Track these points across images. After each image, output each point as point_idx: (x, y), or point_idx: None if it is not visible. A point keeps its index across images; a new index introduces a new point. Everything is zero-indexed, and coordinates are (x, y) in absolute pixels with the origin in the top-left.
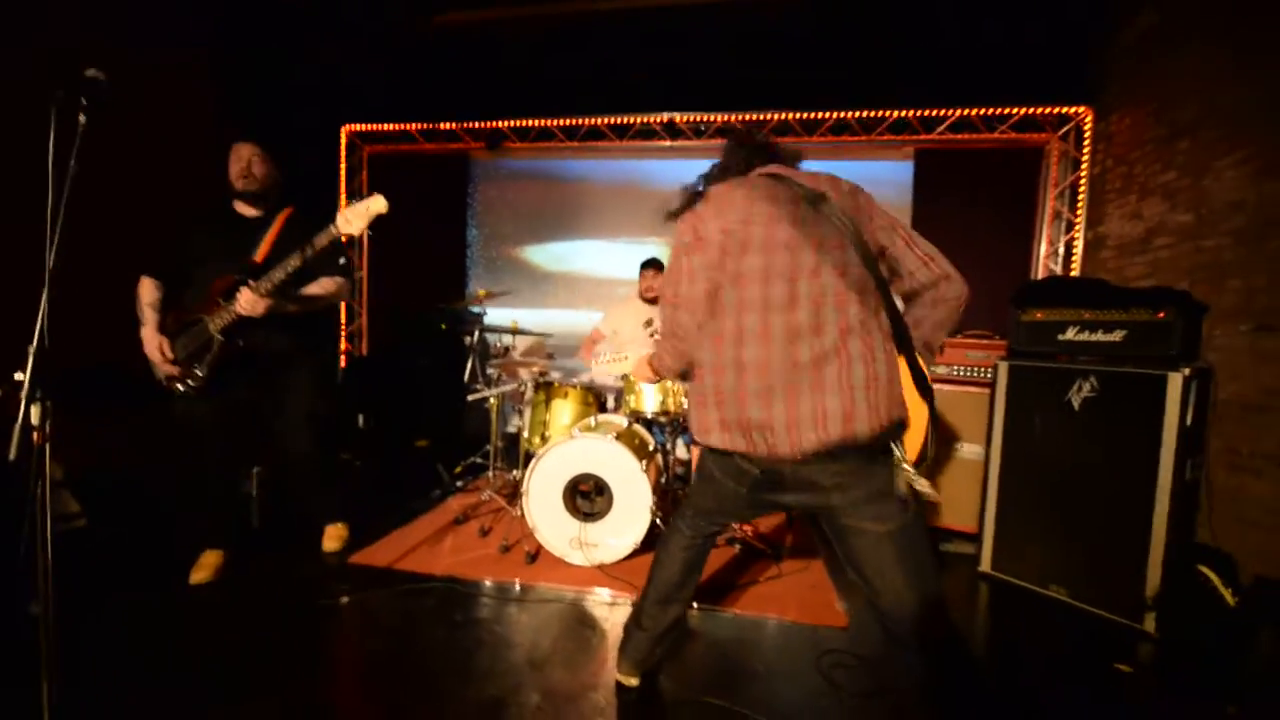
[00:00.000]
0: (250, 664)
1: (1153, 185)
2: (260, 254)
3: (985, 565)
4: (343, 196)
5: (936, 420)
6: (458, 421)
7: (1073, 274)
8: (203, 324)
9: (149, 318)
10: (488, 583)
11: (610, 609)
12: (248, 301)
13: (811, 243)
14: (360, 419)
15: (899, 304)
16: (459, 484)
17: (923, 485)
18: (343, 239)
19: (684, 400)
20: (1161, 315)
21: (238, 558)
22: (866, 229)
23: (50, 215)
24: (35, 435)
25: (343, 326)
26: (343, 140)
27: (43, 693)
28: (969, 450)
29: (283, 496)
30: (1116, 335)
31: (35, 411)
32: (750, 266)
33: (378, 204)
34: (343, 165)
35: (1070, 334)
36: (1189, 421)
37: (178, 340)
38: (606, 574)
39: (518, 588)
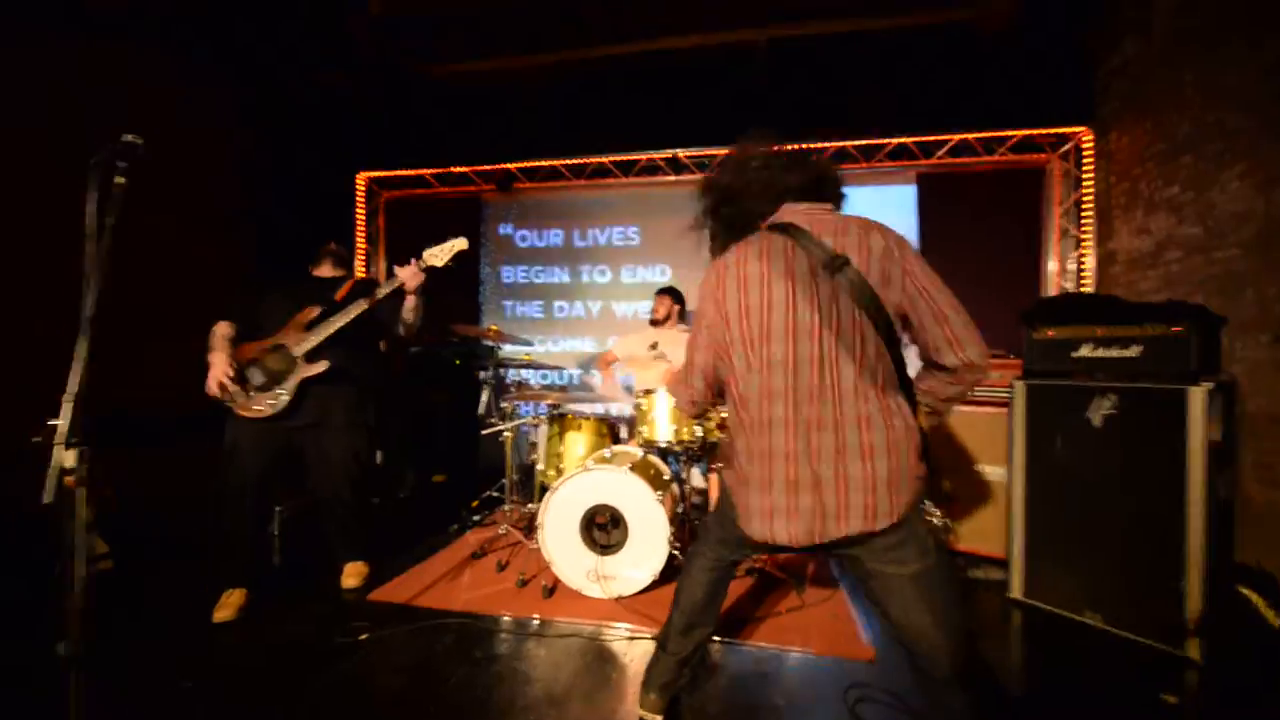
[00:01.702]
0: (271, 703)
1: (1158, 200)
2: (340, 294)
3: (1016, 592)
4: (360, 239)
5: (933, 479)
6: (473, 455)
7: (1085, 290)
8: (284, 349)
9: (219, 345)
10: (506, 618)
11: (629, 644)
12: (409, 273)
13: (829, 327)
14: (378, 455)
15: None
16: (476, 518)
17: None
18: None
19: (698, 429)
20: (1177, 329)
21: (259, 595)
22: (895, 305)
23: (89, 267)
24: (70, 480)
25: None
26: (360, 187)
27: None
28: (991, 472)
29: (304, 533)
30: (1132, 351)
31: (71, 456)
32: (771, 355)
33: (460, 243)
34: (361, 210)
35: (1085, 351)
36: (1216, 436)
37: (255, 366)
38: (625, 607)
39: (536, 622)
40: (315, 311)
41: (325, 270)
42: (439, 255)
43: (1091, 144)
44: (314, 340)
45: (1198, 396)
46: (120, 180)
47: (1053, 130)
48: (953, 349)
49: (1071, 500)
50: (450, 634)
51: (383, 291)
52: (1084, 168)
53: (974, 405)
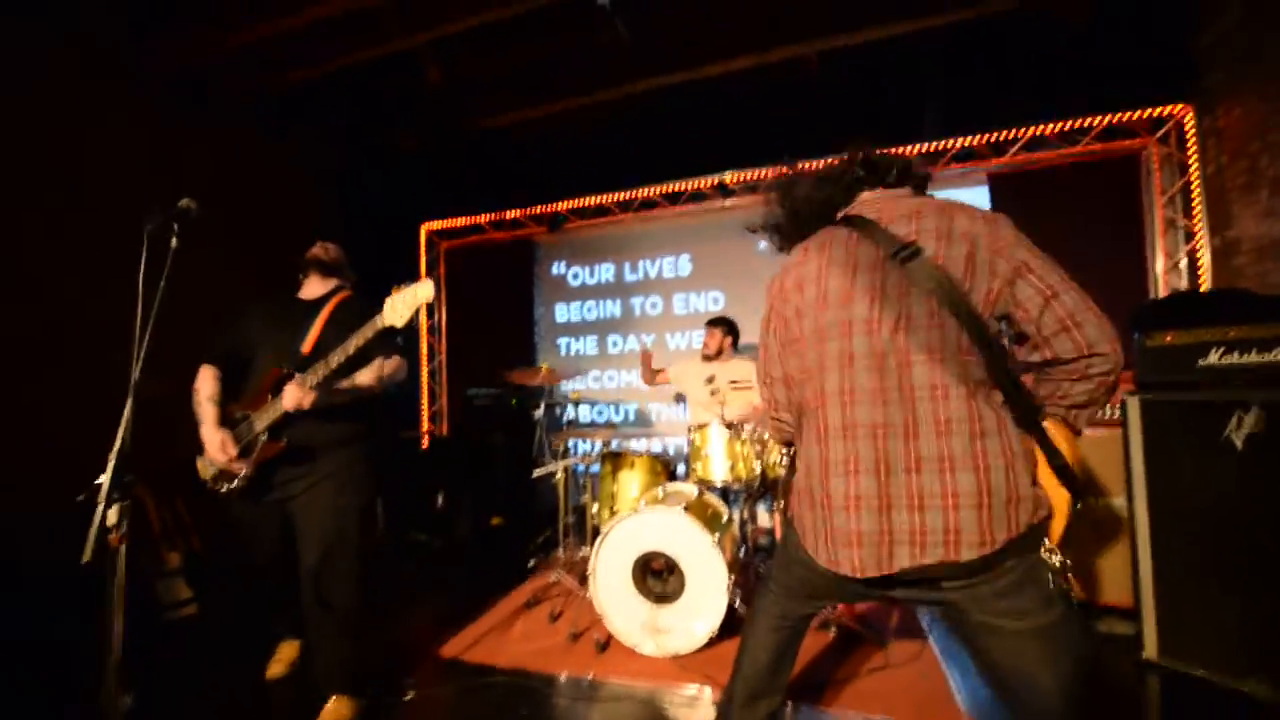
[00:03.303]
0: None
1: None
2: (308, 344)
3: (1150, 652)
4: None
5: (1081, 507)
6: (531, 498)
7: (1202, 287)
8: (249, 421)
9: (208, 414)
10: (556, 676)
11: (688, 710)
12: (292, 398)
13: (897, 324)
14: (439, 499)
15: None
16: (531, 564)
17: (1071, 584)
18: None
19: (756, 465)
20: None
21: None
22: (984, 287)
23: (140, 329)
24: (113, 537)
25: (425, 409)
26: (422, 238)
27: None
28: (1104, 505)
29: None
30: (1277, 355)
31: (113, 513)
32: (829, 355)
33: (425, 291)
34: (423, 260)
35: (1214, 358)
36: None
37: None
38: (682, 666)
39: (587, 682)
40: (281, 371)
41: (312, 287)
42: (400, 309)
43: (1194, 123)
44: (274, 414)
45: None
46: (174, 243)
47: (1145, 113)
48: (1069, 333)
49: (1213, 537)
50: (497, 693)
51: (366, 334)
52: (1188, 150)
53: None
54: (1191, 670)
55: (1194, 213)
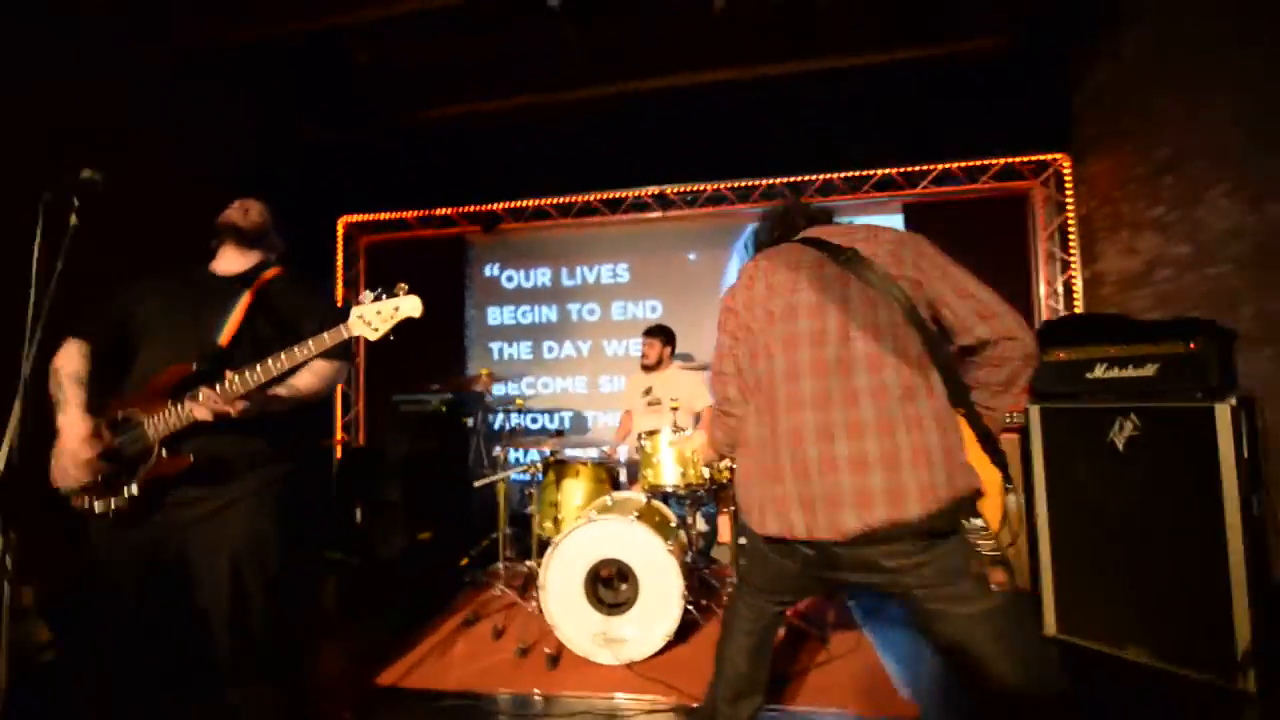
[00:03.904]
0: None
1: (1143, 220)
2: (225, 335)
3: (1050, 628)
4: (339, 286)
5: (1011, 487)
6: (462, 509)
7: (1075, 312)
8: (140, 428)
9: (71, 395)
10: (508, 695)
11: (650, 718)
12: (209, 406)
13: (837, 306)
14: (358, 514)
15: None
16: (466, 578)
17: (997, 573)
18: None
19: (705, 471)
20: (1193, 346)
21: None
22: (913, 282)
23: (32, 318)
24: None
25: (339, 417)
26: (340, 231)
27: None
28: (1009, 501)
29: None
30: (1149, 370)
31: None
32: (776, 337)
33: (410, 306)
34: (340, 255)
35: (1099, 371)
36: (1244, 454)
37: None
38: (639, 674)
39: (542, 699)
40: (188, 368)
41: (229, 261)
42: (375, 322)
43: (1070, 169)
44: (176, 423)
45: (1225, 414)
46: (74, 220)
47: (1032, 157)
48: (986, 321)
49: (1100, 527)
50: (447, 719)
51: (325, 343)
52: (1065, 192)
53: None
54: (1085, 642)
55: (1070, 247)
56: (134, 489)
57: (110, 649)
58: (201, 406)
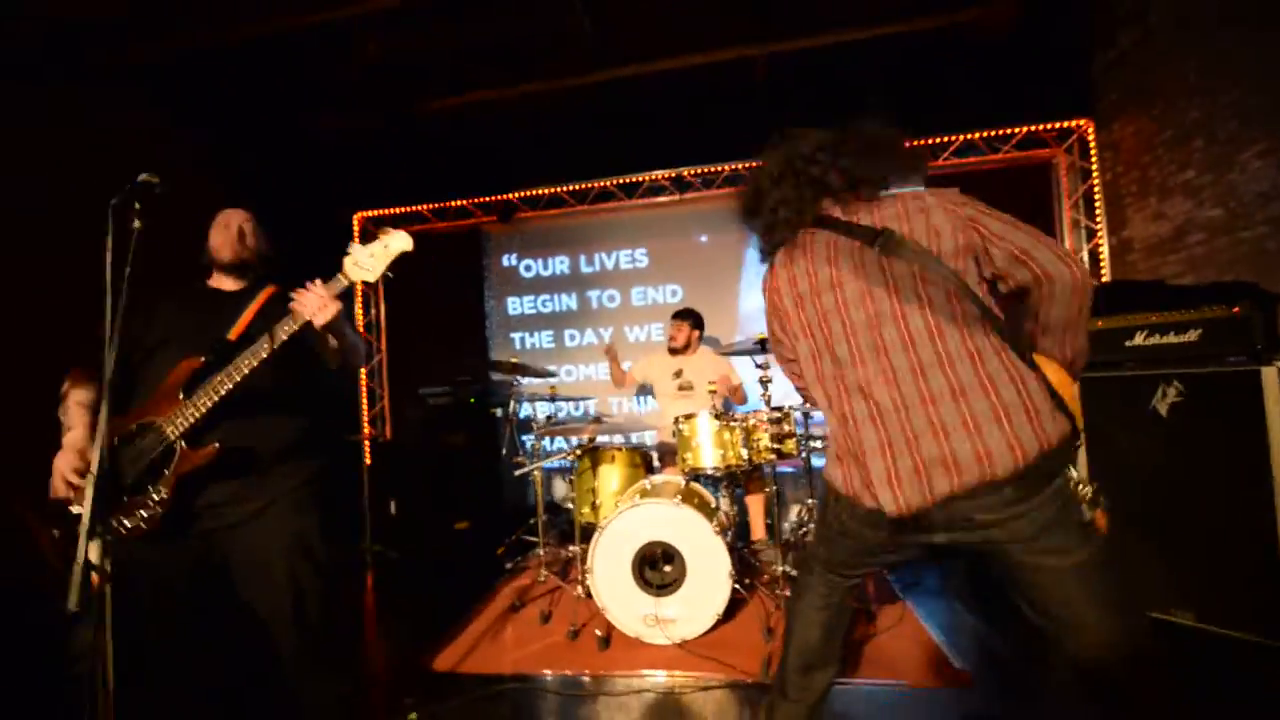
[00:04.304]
0: None
1: (1171, 185)
2: (236, 330)
3: None
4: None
5: (1079, 440)
6: (496, 498)
7: (1103, 280)
8: (155, 429)
9: (77, 419)
10: (565, 676)
11: (705, 694)
12: (315, 301)
13: (885, 288)
14: (392, 506)
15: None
16: (507, 566)
17: (1099, 515)
18: (354, 285)
19: (744, 453)
20: (1237, 310)
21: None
22: (950, 245)
23: (109, 321)
24: (95, 577)
25: (364, 411)
26: (356, 228)
27: None
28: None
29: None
30: (1192, 335)
31: (95, 549)
32: (832, 329)
33: (399, 241)
34: None
35: (1139, 339)
36: None
37: (121, 454)
38: (690, 652)
39: (598, 679)
40: (197, 362)
41: (227, 282)
42: (366, 263)
43: (1094, 136)
44: (195, 411)
45: (1272, 376)
46: (137, 224)
47: (1054, 125)
48: (1024, 265)
49: (1145, 494)
50: (506, 702)
51: (280, 338)
52: (1090, 159)
53: None
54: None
55: (1095, 215)
56: (163, 492)
57: (157, 661)
58: (309, 302)
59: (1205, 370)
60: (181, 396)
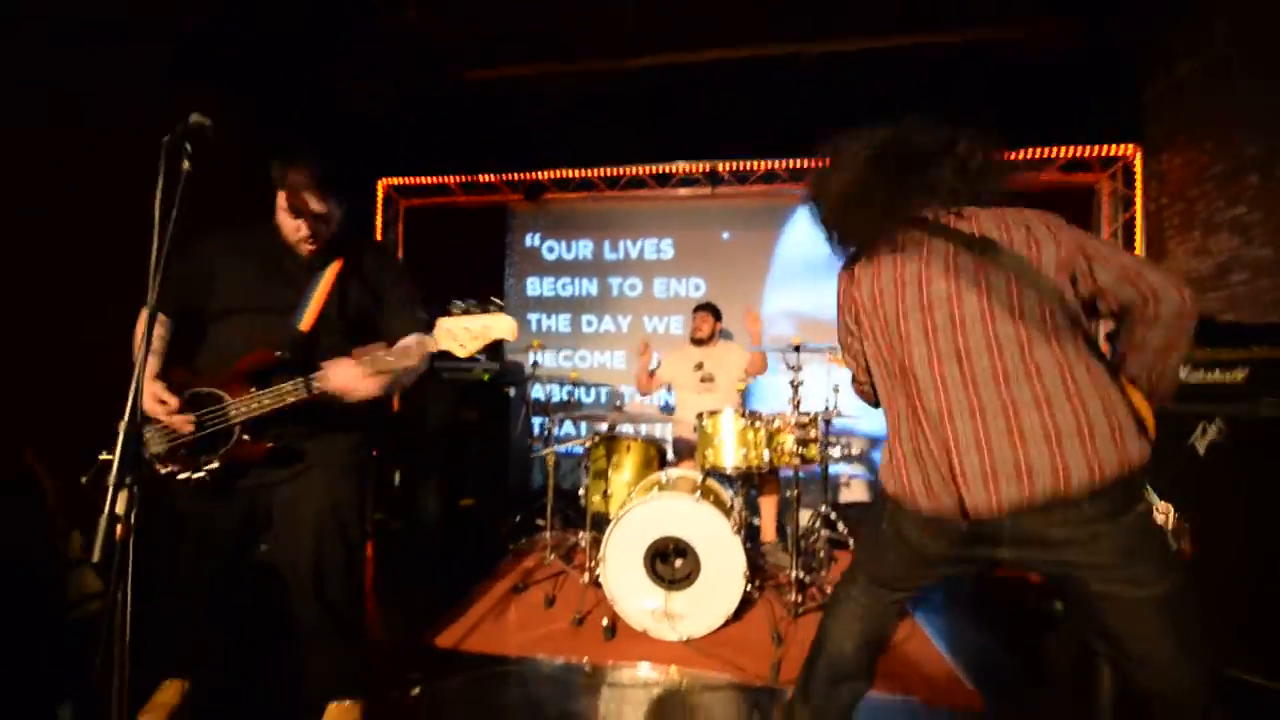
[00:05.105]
0: None
1: (1218, 220)
2: (307, 320)
3: None
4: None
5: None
6: (501, 478)
7: None
8: (224, 406)
9: (150, 364)
10: (570, 663)
11: (714, 694)
12: (347, 379)
13: (976, 293)
14: (395, 477)
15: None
16: (510, 546)
17: (1184, 541)
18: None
19: (766, 454)
20: None
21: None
22: (1051, 259)
23: (154, 264)
24: (119, 528)
25: None
26: (379, 194)
27: None
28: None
29: None
30: (1238, 375)
31: (122, 499)
32: (912, 331)
33: (501, 328)
34: (379, 219)
35: (1183, 374)
36: None
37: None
38: (697, 650)
39: (604, 669)
40: (272, 356)
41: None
42: (463, 340)
43: (1140, 164)
44: (259, 408)
45: None
46: (187, 166)
47: (1101, 149)
48: (1132, 284)
49: (1187, 537)
50: (512, 684)
51: (423, 350)
52: (1134, 187)
53: None
54: None
55: (1134, 245)
56: (215, 464)
57: (190, 603)
58: (337, 376)
59: (1252, 414)
60: (254, 389)
